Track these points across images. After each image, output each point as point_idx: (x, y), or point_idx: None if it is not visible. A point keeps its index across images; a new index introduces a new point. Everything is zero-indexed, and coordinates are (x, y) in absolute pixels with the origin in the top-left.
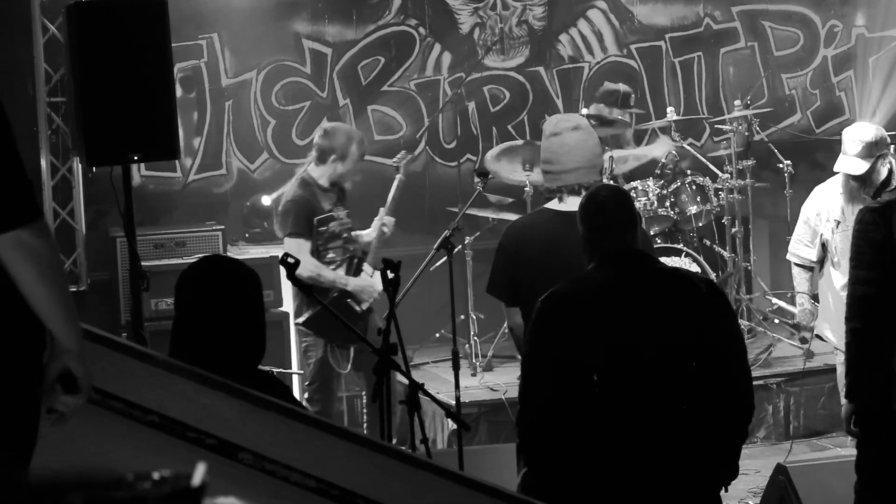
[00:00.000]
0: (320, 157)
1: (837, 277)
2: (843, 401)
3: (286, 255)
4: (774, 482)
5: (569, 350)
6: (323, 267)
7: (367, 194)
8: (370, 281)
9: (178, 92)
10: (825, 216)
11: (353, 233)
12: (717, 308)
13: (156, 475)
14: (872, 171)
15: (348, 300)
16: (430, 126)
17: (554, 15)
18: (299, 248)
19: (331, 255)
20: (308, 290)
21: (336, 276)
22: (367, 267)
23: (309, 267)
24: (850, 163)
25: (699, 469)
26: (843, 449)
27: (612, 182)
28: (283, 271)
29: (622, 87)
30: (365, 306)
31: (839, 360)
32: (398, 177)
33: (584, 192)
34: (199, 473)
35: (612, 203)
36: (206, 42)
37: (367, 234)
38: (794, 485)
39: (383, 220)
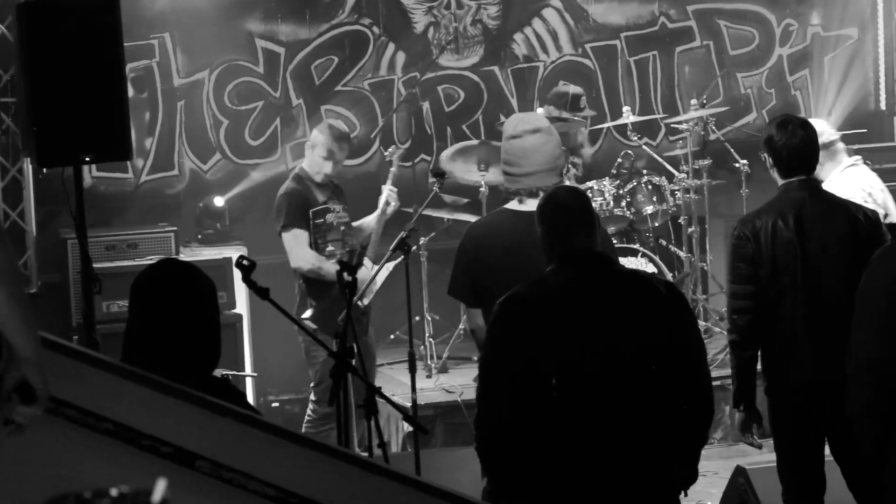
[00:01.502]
0: (307, 150)
1: None
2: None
3: (242, 257)
4: (734, 484)
5: (527, 353)
6: (324, 259)
7: None
8: (371, 274)
9: (130, 92)
10: None
11: (354, 223)
12: (678, 310)
13: (114, 492)
14: None
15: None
16: (384, 126)
17: (508, 14)
18: (297, 239)
19: (330, 248)
20: (264, 294)
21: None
22: (367, 261)
23: (309, 259)
24: None
25: (660, 473)
26: None
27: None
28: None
29: (572, 88)
30: (367, 301)
31: None
32: (392, 170)
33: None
34: (159, 489)
35: (571, 204)
36: (157, 41)
37: (370, 219)
38: (754, 487)
39: (386, 194)
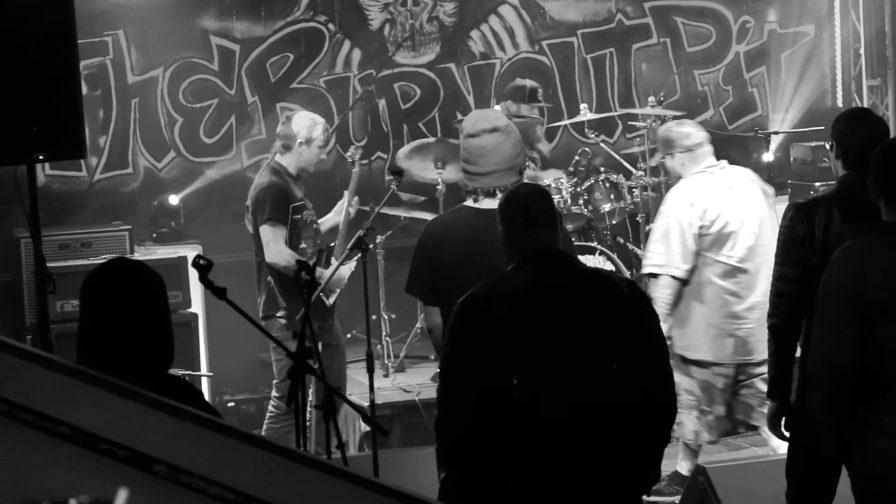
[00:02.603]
0: (286, 146)
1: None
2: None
3: (199, 256)
4: (694, 483)
5: (488, 353)
6: (300, 257)
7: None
8: (339, 273)
9: (84, 89)
10: None
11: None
12: (640, 309)
13: (73, 502)
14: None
15: (320, 294)
16: (340, 124)
17: (465, 11)
18: (276, 235)
19: (303, 245)
20: (221, 294)
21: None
22: (333, 261)
23: (285, 256)
24: None
25: (623, 473)
26: (759, 448)
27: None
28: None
29: (528, 82)
30: (332, 299)
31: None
32: (354, 171)
33: (500, 194)
34: (120, 500)
35: (533, 202)
36: (111, 39)
37: (330, 219)
38: (714, 486)
39: (350, 201)
